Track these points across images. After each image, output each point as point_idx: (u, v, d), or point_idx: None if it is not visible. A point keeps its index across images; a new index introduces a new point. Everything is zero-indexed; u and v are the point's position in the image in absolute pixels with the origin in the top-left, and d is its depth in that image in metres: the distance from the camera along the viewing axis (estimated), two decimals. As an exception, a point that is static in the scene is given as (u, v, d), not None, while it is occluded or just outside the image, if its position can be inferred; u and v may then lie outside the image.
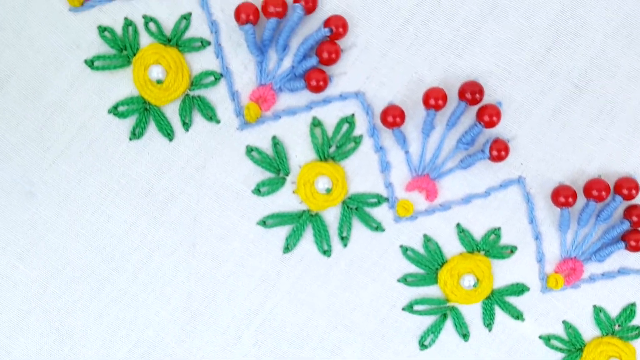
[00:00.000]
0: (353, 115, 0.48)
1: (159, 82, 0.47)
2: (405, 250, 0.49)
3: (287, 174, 0.49)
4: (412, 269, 0.49)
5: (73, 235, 0.49)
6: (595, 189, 0.48)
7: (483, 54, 0.48)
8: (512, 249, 0.49)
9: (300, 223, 0.49)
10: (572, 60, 0.48)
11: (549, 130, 0.48)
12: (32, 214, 0.48)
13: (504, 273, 0.50)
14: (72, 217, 0.48)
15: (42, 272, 0.49)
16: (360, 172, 0.49)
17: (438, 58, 0.48)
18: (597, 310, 0.50)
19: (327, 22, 0.46)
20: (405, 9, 0.47)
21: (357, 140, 0.48)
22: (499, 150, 0.47)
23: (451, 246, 0.49)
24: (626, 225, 0.48)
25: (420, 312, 0.50)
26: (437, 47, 0.48)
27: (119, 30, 0.47)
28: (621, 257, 0.50)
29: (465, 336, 0.50)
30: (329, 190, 0.48)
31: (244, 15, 0.46)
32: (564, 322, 0.50)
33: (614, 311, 0.50)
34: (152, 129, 0.48)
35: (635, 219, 0.48)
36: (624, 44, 0.48)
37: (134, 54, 0.47)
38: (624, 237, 0.48)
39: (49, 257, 0.49)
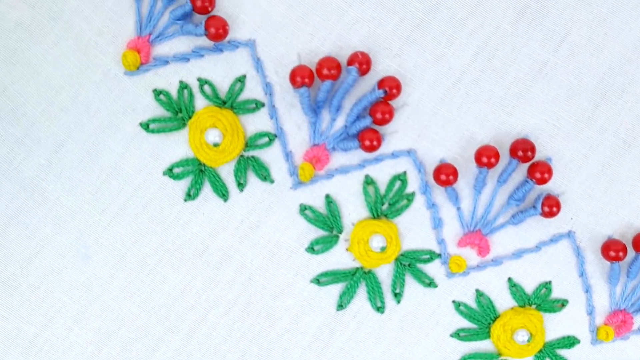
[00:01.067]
0: (405, 172, 0.49)
1: (216, 145, 0.47)
2: (457, 305, 0.50)
3: (340, 231, 0.49)
4: (465, 323, 0.50)
5: (128, 296, 0.49)
6: (645, 242, 0.49)
7: (533, 111, 0.49)
8: (563, 303, 0.50)
9: (354, 280, 0.50)
10: (619, 116, 0.49)
11: (598, 185, 0.50)
12: (88, 276, 0.49)
13: (555, 326, 0.51)
14: (128, 279, 0.49)
15: (97, 334, 0.49)
16: (413, 228, 0.50)
17: (489, 116, 0.49)
18: (647, 361, 0.51)
19: (381, 83, 0.47)
20: (457, 69, 0.49)
21: (410, 198, 0.49)
22: (550, 207, 0.49)
23: (503, 300, 0.50)
24: (675, 278, 0.50)
25: (473, 366, 0.51)
26: (488, 105, 0.49)
27: (174, 93, 0.48)
28: (670, 308, 0.51)
29: (517, 389, 0.51)
30: (383, 249, 0.49)
31: (300, 79, 0.47)
32: (614, 373, 0.51)
33: (663, 362, 0.51)
34: (206, 189, 0.49)
35: (684, 271, 0.49)
36: (670, 99, 0.49)
37: (190, 117, 0.48)
38: (673, 290, 0.50)
39: (104, 318, 0.49)
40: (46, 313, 0.49)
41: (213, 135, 0.47)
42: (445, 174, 0.48)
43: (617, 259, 0.49)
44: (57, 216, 0.48)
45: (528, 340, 0.50)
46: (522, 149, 0.48)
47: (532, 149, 0.48)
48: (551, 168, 0.48)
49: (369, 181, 0.49)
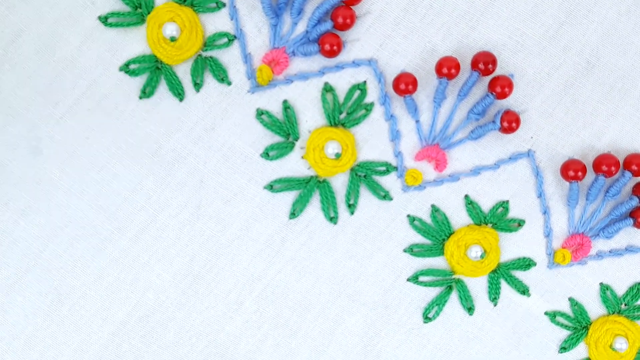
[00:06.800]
0: (365, 82, 0.52)
1: (173, 39, 0.50)
2: (412, 220, 0.52)
3: (296, 138, 0.52)
4: (419, 239, 0.53)
5: (77, 193, 0.52)
6: (605, 164, 0.51)
7: (497, 26, 0.52)
8: (520, 223, 0.53)
9: (308, 189, 0.52)
10: (584, 36, 0.52)
11: (559, 104, 0.52)
12: (37, 170, 0.51)
13: (511, 247, 0.53)
14: (78, 175, 0.52)
15: (44, 230, 0.52)
16: (370, 139, 0.52)
17: (452, 28, 0.52)
18: (604, 288, 0.53)
19: (342, -13, 0.50)
20: (421, -22, 0.51)
21: (368, 108, 0.52)
22: (509, 122, 0.51)
23: (459, 217, 0.53)
24: (635, 202, 0.52)
25: (425, 284, 0.53)
26: (451, 17, 0.52)
27: (134, -13, 0.50)
28: (629, 235, 0.53)
29: (470, 310, 0.53)
30: (338, 155, 0.51)
31: (261, -23, 0.49)
32: (570, 299, 0.53)
33: (620, 289, 0.53)
34: (162, 88, 0.51)
35: (643, 196, 0.52)
36: (636, 22, 0.52)
37: (149, 12, 0.50)
38: (633, 214, 0.52)
39: (52, 214, 0.52)
40: (-7, 205, 0.52)
41: (170, 29, 0.50)
42: (405, 83, 0.51)
43: (575, 178, 0.51)
44: (9, 107, 0.51)
45: (481, 257, 0.52)
46: (484, 61, 0.51)
47: (494, 61, 0.51)
48: (512, 82, 0.51)
49: (328, 88, 0.52)
